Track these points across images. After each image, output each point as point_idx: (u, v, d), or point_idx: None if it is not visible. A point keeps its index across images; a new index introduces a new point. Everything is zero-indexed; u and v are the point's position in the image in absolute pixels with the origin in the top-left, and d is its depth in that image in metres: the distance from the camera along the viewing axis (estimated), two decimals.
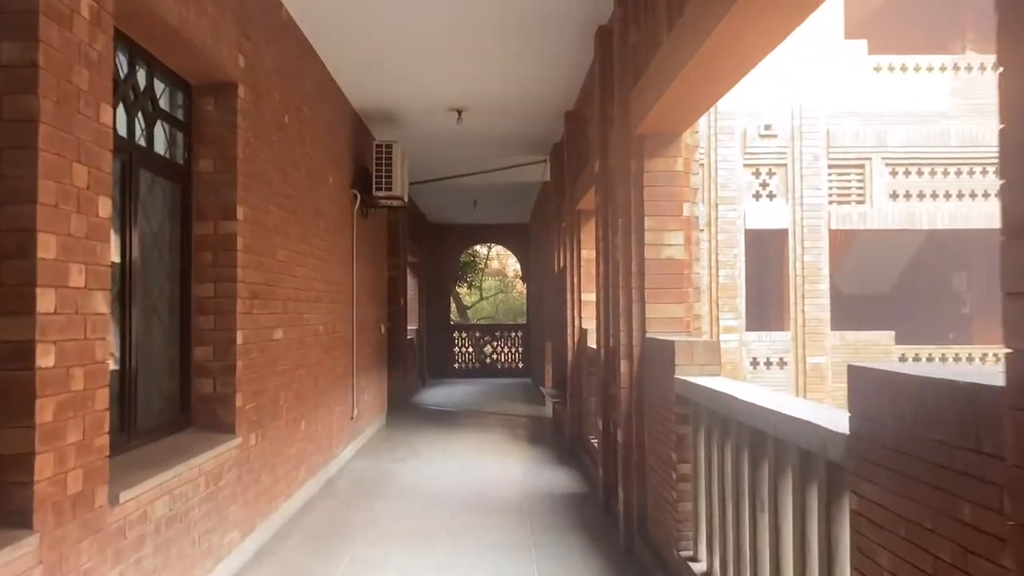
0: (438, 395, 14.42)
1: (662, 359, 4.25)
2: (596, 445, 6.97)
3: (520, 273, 19.07)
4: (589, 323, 7.89)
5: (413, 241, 15.03)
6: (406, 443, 8.82)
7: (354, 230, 7.93)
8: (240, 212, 4.50)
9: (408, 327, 15.24)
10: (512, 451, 8.38)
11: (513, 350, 18.48)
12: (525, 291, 19.24)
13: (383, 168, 7.97)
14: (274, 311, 5.17)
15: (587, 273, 7.97)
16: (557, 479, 6.95)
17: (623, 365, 4.83)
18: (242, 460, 4.54)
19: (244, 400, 4.56)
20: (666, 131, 4.72)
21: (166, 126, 4.28)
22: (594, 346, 7.24)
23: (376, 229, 9.57)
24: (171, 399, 4.30)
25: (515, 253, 19.03)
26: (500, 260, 25.06)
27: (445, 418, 11.22)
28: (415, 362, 15.36)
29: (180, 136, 4.42)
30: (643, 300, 4.72)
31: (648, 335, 4.68)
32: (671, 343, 4.05)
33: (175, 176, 4.33)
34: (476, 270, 21.71)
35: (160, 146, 4.21)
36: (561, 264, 9.68)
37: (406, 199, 8.49)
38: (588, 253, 8.00)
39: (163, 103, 4.26)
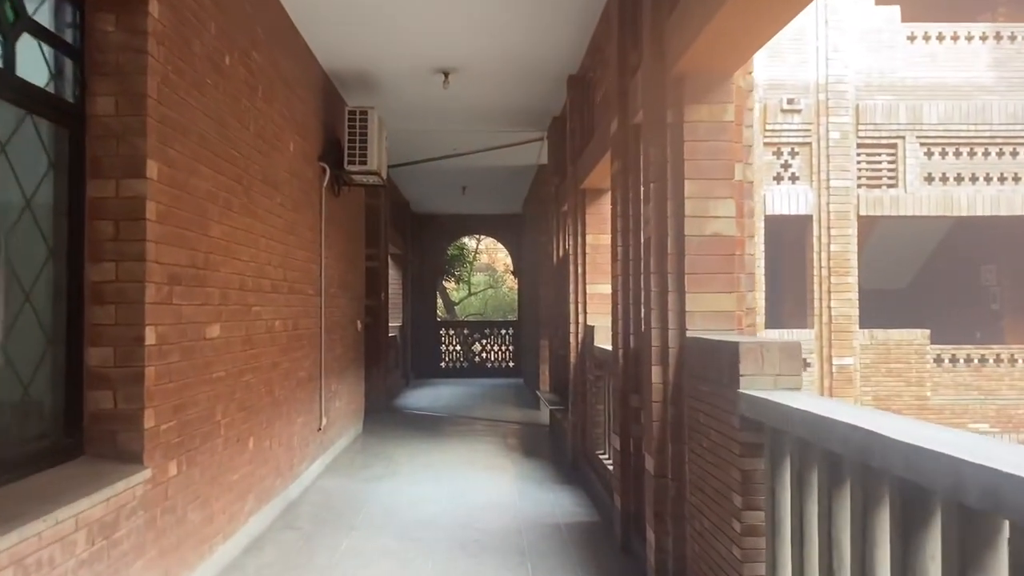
0: (423, 397, 13.30)
1: (716, 366, 3.17)
2: (608, 464, 5.89)
3: (511, 267, 17.98)
4: (598, 319, 6.81)
5: (396, 231, 13.91)
6: (384, 455, 7.70)
7: (322, 210, 6.80)
8: (152, 169, 3.38)
9: (390, 324, 14.13)
10: (505, 465, 7.28)
11: (503, 349, 17.38)
12: (516, 286, 18.14)
13: (356, 138, 6.84)
14: (207, 302, 4.05)
15: (594, 262, 6.88)
16: (560, 503, 5.87)
17: (654, 372, 3.75)
18: (154, 499, 3.42)
19: (158, 418, 3.44)
20: (712, 70, 3.64)
21: (47, 49, 3.15)
22: (605, 346, 6.16)
23: (351, 212, 8.44)
24: (53, 419, 3.18)
25: (506, 246, 17.93)
26: (490, 254, 23.95)
27: (429, 424, 10.10)
28: (398, 362, 14.23)
29: (70, 65, 3.29)
30: (682, 288, 3.64)
31: (689, 333, 3.60)
32: (732, 345, 2.97)
33: (62, 118, 3.21)
34: (464, 264, 20.57)
35: (37, 74, 3.08)
36: (561, 253, 8.59)
37: (384, 176, 7.37)
38: (595, 238, 6.92)
39: (43, 18, 3.13)
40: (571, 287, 7.16)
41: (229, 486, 4.39)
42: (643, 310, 3.94)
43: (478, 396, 13.46)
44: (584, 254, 6.94)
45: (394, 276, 15.45)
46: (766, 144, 9.52)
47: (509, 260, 23.87)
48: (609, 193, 6.98)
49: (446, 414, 11.06)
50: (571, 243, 7.17)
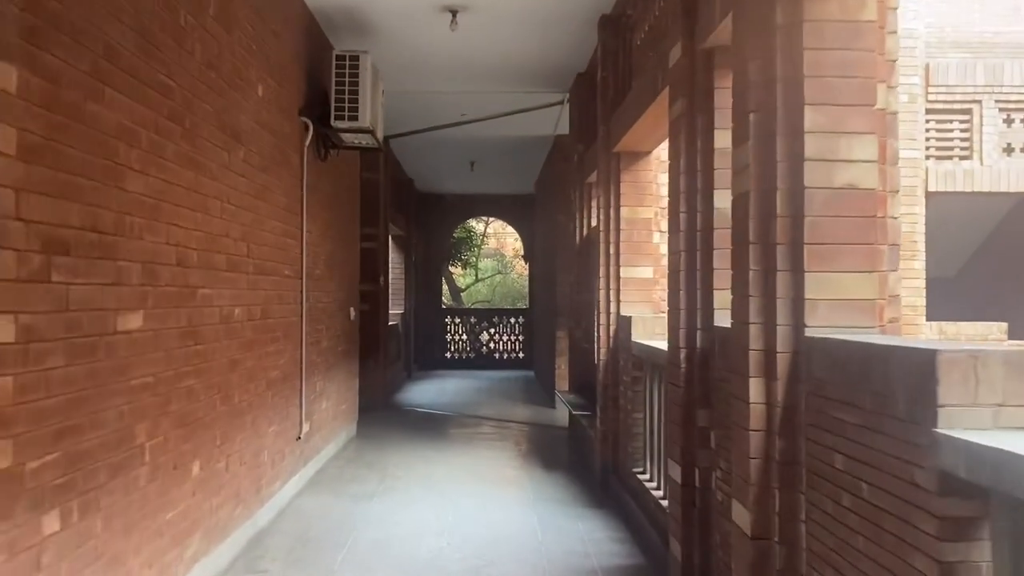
0: (426, 391, 12.18)
1: (878, 386, 2.02)
2: (651, 488, 4.75)
3: (522, 252, 16.82)
4: (635, 309, 5.65)
5: (398, 211, 12.76)
6: (378, 465, 6.58)
7: (304, 174, 5.65)
8: (9, 76, 2.23)
9: (391, 311, 13.01)
10: (520, 480, 6.16)
11: (513, 339, 16.23)
12: (528, 271, 16.98)
13: (346, 88, 5.67)
14: (120, 280, 2.90)
15: (630, 240, 5.72)
16: (592, 536, 4.73)
17: (753, 387, 2.59)
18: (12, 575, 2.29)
19: (22, 453, 2.31)
20: None
21: None
22: (647, 342, 5.01)
23: (343, 183, 7.28)
24: None
25: (517, 228, 16.75)
26: (498, 238, 22.75)
27: (432, 425, 8.98)
28: (399, 353, 13.11)
29: None
30: (798, 266, 2.48)
31: (810, 330, 2.44)
32: (920, 355, 1.82)
33: None
34: (472, 247, 19.34)
35: None
36: (586, 233, 7.43)
37: (380, 137, 6.21)
38: (632, 212, 5.75)
39: None
40: (600, 271, 6.00)
41: (159, 530, 3.26)
42: (735, 297, 2.77)
43: (486, 391, 12.33)
44: (618, 231, 5.78)
45: (396, 260, 14.30)
46: None
47: (519, 244, 22.72)
48: (648, 157, 5.84)
49: (451, 412, 9.93)
50: (601, 219, 6.00)
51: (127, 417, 2.96)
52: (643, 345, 5.10)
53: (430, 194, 15.55)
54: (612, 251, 5.83)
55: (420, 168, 12.97)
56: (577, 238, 7.53)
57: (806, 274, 2.46)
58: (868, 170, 2.50)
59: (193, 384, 3.61)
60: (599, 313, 6.11)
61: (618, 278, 5.80)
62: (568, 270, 10.10)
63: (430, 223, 15.82)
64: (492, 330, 16.33)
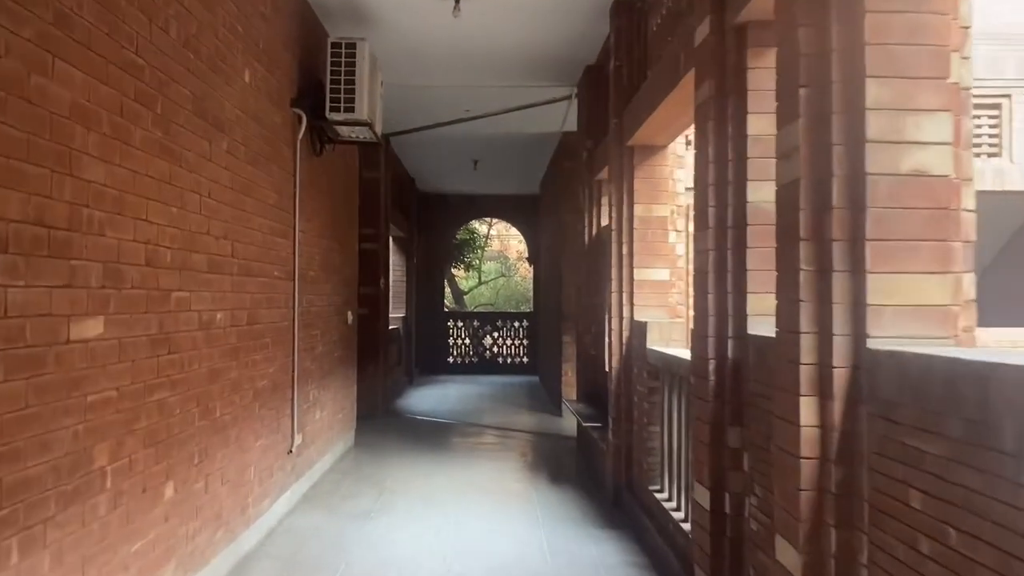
0: (428, 398, 11.81)
1: (981, 412, 1.65)
2: (670, 509, 4.37)
3: (526, 254, 16.45)
4: (650, 313, 5.28)
5: (400, 211, 12.41)
6: (376, 479, 6.21)
7: (296, 169, 5.29)
8: None
9: (392, 314, 12.66)
10: (527, 495, 5.78)
11: (517, 343, 15.85)
12: (532, 274, 16.61)
13: (342, 78, 5.32)
14: (74, 282, 2.54)
15: (644, 240, 5.36)
16: (606, 561, 4.36)
17: (805, 407, 2.22)
18: None
19: None
20: None
21: None
22: (663, 349, 4.64)
23: (340, 180, 6.93)
24: None
25: (521, 230, 16.38)
26: (501, 240, 22.38)
27: (433, 434, 8.61)
28: (400, 357, 12.75)
29: None
30: (859, 266, 2.12)
31: (872, 341, 2.08)
32: None
33: None
34: (475, 249, 18.93)
35: None
36: (595, 233, 7.06)
37: (379, 131, 5.85)
38: (647, 209, 5.38)
39: None
40: (612, 273, 5.63)
41: (124, 563, 2.89)
42: (781, 302, 2.41)
43: (489, 397, 11.96)
44: (631, 230, 5.41)
45: (397, 262, 13.96)
46: None
47: (523, 246, 22.36)
48: (663, 152, 5.47)
49: (453, 420, 9.56)
50: (613, 217, 5.63)
51: (83, 438, 2.60)
52: (660, 353, 4.73)
53: (432, 194, 15.20)
54: (625, 251, 5.46)
55: (422, 167, 12.63)
56: (586, 238, 7.17)
57: (868, 275, 2.10)
58: (941, 154, 2.13)
59: (166, 397, 3.25)
60: (611, 318, 5.74)
61: (631, 280, 5.43)
62: (576, 272, 9.73)
63: (432, 224, 15.46)
64: (496, 334, 15.95)
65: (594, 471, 6.43)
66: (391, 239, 13.82)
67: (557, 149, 10.46)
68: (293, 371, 5.26)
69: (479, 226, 19.73)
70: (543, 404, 11.00)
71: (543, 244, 13.57)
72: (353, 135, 5.81)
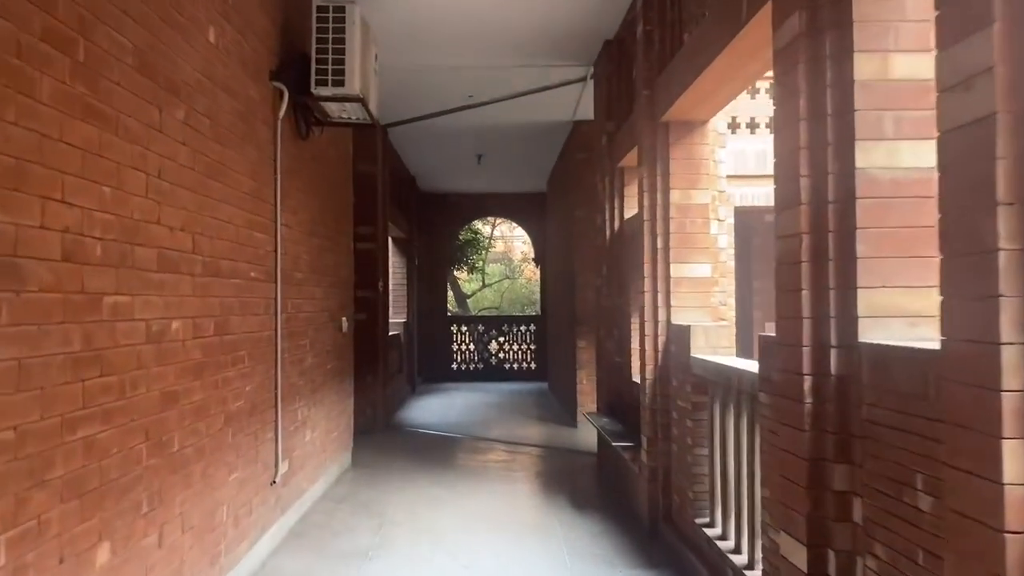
0: (431, 408, 11.06)
1: None
2: (733, 555, 3.62)
3: (532, 255, 15.70)
4: (688, 315, 4.54)
5: (399, 210, 11.68)
6: (375, 508, 5.46)
7: (278, 152, 4.55)
8: None
9: (392, 319, 11.94)
10: (550, 528, 5.02)
11: (524, 348, 15.09)
12: (539, 276, 15.87)
13: (329, 46, 4.57)
14: None
15: (683, 231, 4.62)
16: None
17: (1009, 457, 1.47)
18: None
19: None
20: None
21: None
22: (715, 359, 3.89)
23: (331, 170, 6.19)
24: None
25: (527, 230, 15.63)
26: (505, 241, 21.62)
27: (438, 450, 7.85)
28: (402, 365, 12.01)
29: None
30: None
31: None
32: None
33: None
34: (479, 250, 18.14)
35: None
36: (618, 226, 6.31)
37: (374, 108, 5.10)
38: (685, 196, 4.64)
39: None
40: (645, 269, 4.88)
41: None
42: (948, 299, 1.66)
43: (496, 406, 11.20)
44: (667, 220, 4.67)
45: (397, 264, 13.23)
46: None
47: (527, 247, 21.61)
48: (703, 128, 4.73)
49: (459, 433, 8.80)
50: (645, 205, 4.88)
51: None
52: (708, 363, 3.99)
53: (433, 194, 14.47)
54: (660, 244, 4.72)
55: (422, 163, 11.89)
56: (607, 233, 6.42)
57: None
58: None
59: (97, 433, 2.51)
60: (642, 321, 4.99)
61: (667, 278, 4.69)
62: (592, 272, 8.99)
63: (434, 225, 14.73)
64: (501, 339, 15.20)
65: (623, 496, 5.67)
66: (390, 240, 13.10)
67: (568, 140, 9.72)
68: (276, 388, 4.52)
69: (482, 227, 18.98)
70: (555, 414, 10.24)
71: (552, 244, 12.83)
72: (344, 115, 5.07)
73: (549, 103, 8.35)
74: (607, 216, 6.41)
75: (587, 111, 8.60)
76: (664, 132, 4.69)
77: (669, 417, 4.63)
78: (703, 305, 4.65)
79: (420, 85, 7.84)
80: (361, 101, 4.75)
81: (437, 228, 14.82)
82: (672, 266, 4.66)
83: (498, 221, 20.00)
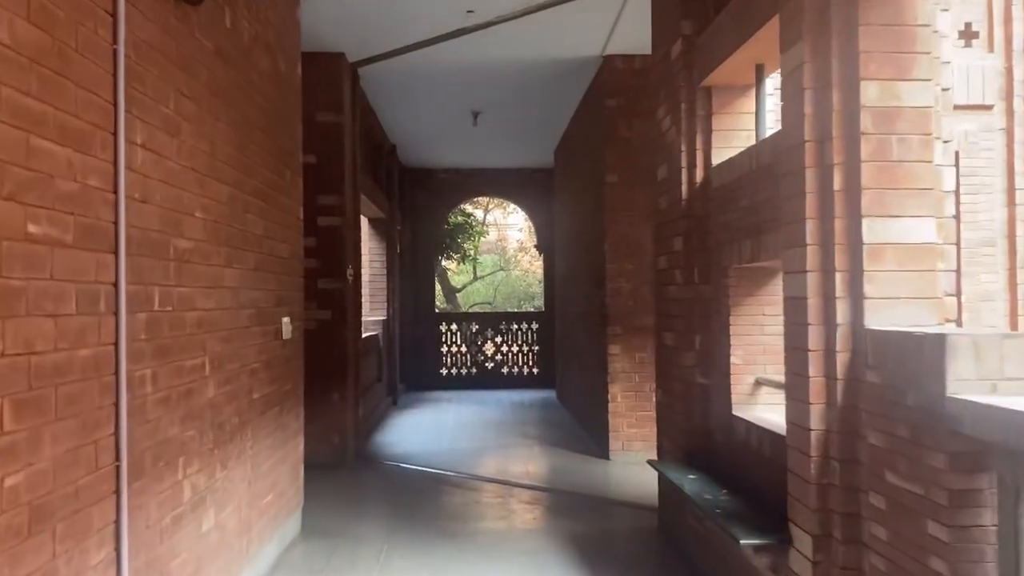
0: (416, 428, 8.87)
1: None
2: None
3: (535, 241, 13.50)
4: (903, 312, 2.40)
5: (376, 183, 9.50)
6: None
7: (120, 6, 2.35)
8: None
9: (367, 317, 9.78)
10: None
11: (524, 349, 12.92)
12: (543, 266, 13.67)
13: None
14: None
15: (885, 155, 2.49)
16: None
17: None
18: None
19: None
20: None
21: None
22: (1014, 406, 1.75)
23: (261, 89, 3.99)
24: None
25: (529, 213, 13.44)
26: (499, 229, 19.42)
27: (425, 502, 5.67)
28: (380, 373, 9.84)
29: None
30: None
31: None
32: None
33: None
34: (471, 235, 15.78)
35: None
36: (704, 175, 4.15)
37: None
38: (888, 91, 2.50)
39: None
40: (808, 231, 2.70)
41: None
42: None
43: (496, 425, 9.01)
44: (853, 139, 2.53)
45: (376, 250, 11.05)
46: None
47: (523, 236, 19.45)
48: None
49: (452, 470, 6.61)
50: (808, 116, 2.69)
51: None
52: (995, 411, 1.86)
53: (419, 169, 12.28)
54: (839, 184, 2.58)
55: (405, 126, 9.67)
56: (681, 190, 4.24)
57: None
58: None
59: None
60: (791, 324, 2.85)
61: (854, 245, 2.55)
62: (632, 253, 6.88)
63: (419, 206, 12.54)
64: (498, 339, 13.02)
65: None
66: (367, 221, 10.90)
67: (593, 86, 7.57)
68: (119, 456, 2.33)
69: (474, 210, 16.73)
70: (574, 437, 8.08)
71: (563, 227, 10.66)
72: None
73: (572, 29, 6.21)
74: (682, 163, 4.24)
75: (624, 40, 6.47)
76: None
77: (864, 505, 2.50)
78: (925, 294, 2.51)
79: (404, 5, 5.68)
80: None
81: (423, 210, 12.62)
82: (865, 224, 2.52)
83: (491, 205, 17.79)
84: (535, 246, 13.64)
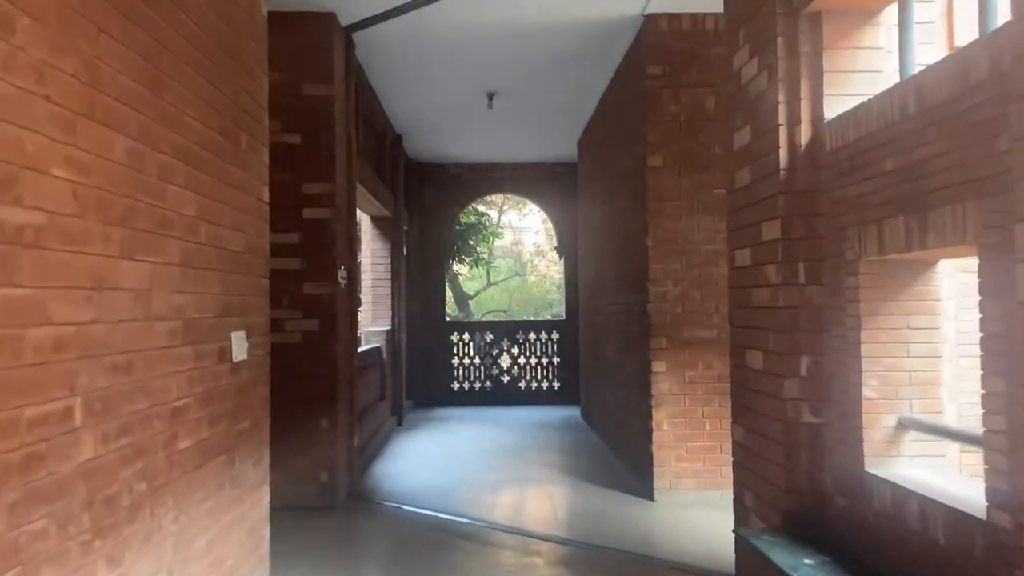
0: (424, 457, 7.71)
1: None
2: None
3: (553, 244, 12.33)
4: None
5: (379, 178, 8.42)
6: None
7: None
8: None
9: (367, 328, 8.68)
10: None
11: (544, 362, 11.75)
12: (563, 271, 12.50)
13: None
14: None
15: None
16: None
17: None
18: None
19: None
20: None
21: None
22: None
23: (200, 10, 2.86)
24: None
25: (548, 213, 12.28)
26: (514, 233, 18.25)
27: (424, 560, 4.51)
28: (383, 391, 8.72)
29: None
30: None
31: None
32: None
33: None
34: (485, 236, 14.52)
35: None
36: (810, 136, 3.00)
37: None
38: None
39: None
40: None
41: None
42: None
43: (515, 452, 7.83)
44: None
45: (379, 252, 9.96)
46: None
47: (539, 239, 18.33)
48: None
49: (461, 512, 5.44)
50: None
51: None
52: None
53: (427, 163, 11.18)
54: None
55: (411, 112, 8.56)
56: (780, 153, 3.09)
57: None
58: None
59: None
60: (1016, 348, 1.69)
61: None
62: (683, 252, 5.75)
63: (427, 204, 11.43)
64: (515, 350, 11.86)
65: None
66: (370, 220, 9.82)
67: (630, 54, 6.42)
68: None
69: (488, 210, 15.55)
70: (606, 465, 6.91)
71: (589, 226, 9.51)
72: None
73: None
74: (779, 120, 3.08)
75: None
76: None
77: None
78: None
79: None
80: None
81: (432, 209, 11.50)
82: None
83: (505, 206, 16.65)
84: (555, 248, 12.49)
